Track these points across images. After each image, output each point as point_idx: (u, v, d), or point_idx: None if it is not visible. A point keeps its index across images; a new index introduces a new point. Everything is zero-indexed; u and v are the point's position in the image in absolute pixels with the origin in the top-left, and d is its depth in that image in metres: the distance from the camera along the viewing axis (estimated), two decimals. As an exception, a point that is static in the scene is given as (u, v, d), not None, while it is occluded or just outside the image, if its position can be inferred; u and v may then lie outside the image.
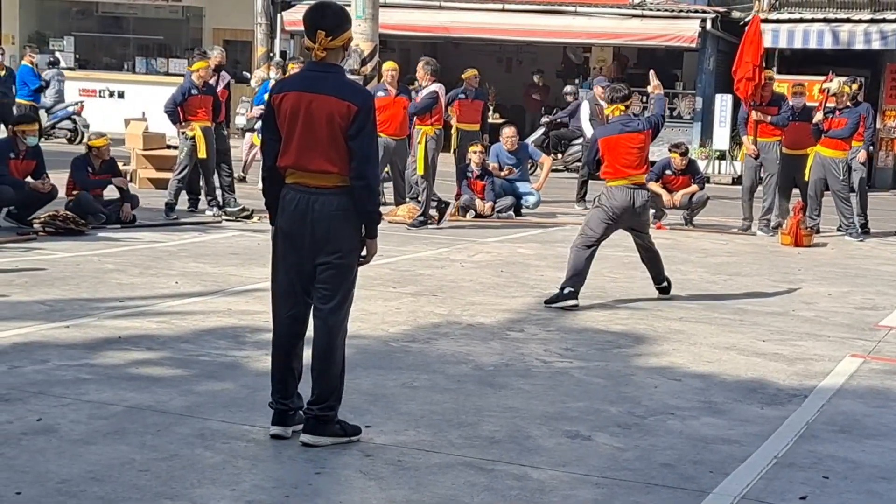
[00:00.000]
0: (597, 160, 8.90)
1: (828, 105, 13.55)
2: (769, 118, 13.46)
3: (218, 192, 13.37)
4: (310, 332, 5.19)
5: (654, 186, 13.74)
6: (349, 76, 14.24)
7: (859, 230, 13.69)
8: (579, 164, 16.44)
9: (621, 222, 8.83)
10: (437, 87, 13.07)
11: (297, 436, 5.16)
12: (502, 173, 14.70)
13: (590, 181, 14.90)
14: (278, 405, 5.17)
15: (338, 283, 5.07)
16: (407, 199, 14.26)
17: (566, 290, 8.58)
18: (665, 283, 9.15)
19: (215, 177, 13.33)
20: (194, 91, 12.94)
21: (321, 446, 5.06)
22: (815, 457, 5.27)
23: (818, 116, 13.38)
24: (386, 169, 14.21)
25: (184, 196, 13.30)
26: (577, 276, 8.63)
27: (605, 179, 8.84)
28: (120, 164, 13.32)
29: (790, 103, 13.87)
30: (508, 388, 6.22)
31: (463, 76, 16.40)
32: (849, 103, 13.46)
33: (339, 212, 4.99)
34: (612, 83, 9.44)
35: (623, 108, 8.90)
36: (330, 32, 4.98)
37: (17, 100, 18.81)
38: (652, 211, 13.92)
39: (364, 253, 5.17)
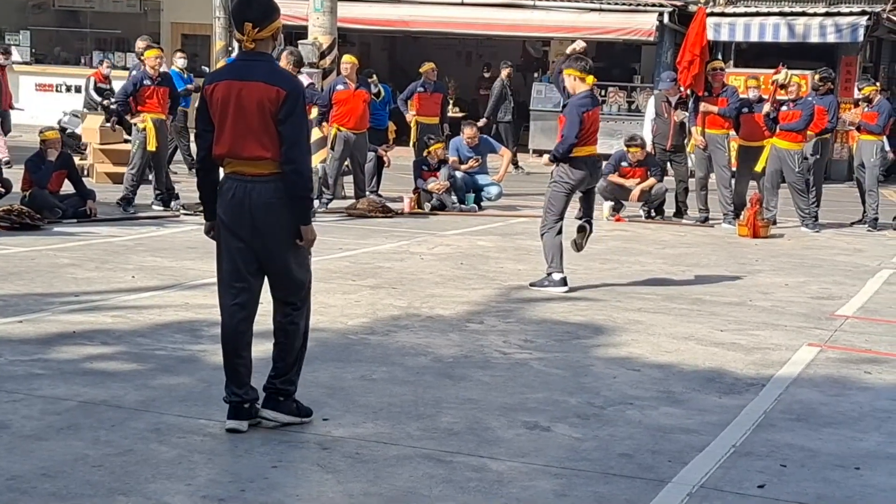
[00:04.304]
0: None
1: (780, 97, 13.65)
2: (716, 109, 13.55)
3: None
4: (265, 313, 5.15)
5: (615, 178, 13.78)
6: (308, 68, 14.15)
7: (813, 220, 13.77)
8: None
9: (579, 189, 9.14)
10: (305, 76, 12.97)
11: (253, 430, 5.12)
12: (464, 166, 14.66)
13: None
14: (232, 397, 5.15)
15: (288, 268, 5.13)
16: (367, 193, 14.23)
17: (559, 277, 8.91)
18: (586, 223, 9.29)
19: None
20: (147, 81, 12.79)
21: (279, 423, 5.16)
22: (773, 445, 5.28)
23: (766, 108, 13.50)
24: (346, 163, 14.17)
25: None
26: (560, 259, 8.94)
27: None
28: (77, 159, 13.21)
29: (739, 95, 13.97)
30: (467, 380, 6.20)
31: (421, 70, 16.43)
32: (808, 93, 13.56)
33: (277, 199, 5.02)
34: (580, 55, 9.38)
35: (593, 80, 9.06)
36: (257, 24, 5.05)
37: None
38: (610, 203, 14.02)
39: (301, 241, 5.12)
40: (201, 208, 12.95)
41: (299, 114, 5.03)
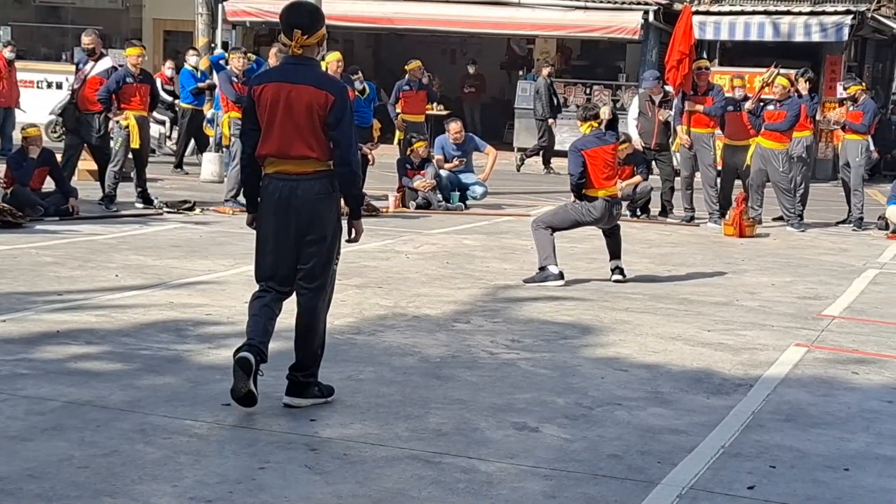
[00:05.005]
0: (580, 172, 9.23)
1: (766, 96, 13.69)
2: (701, 108, 13.58)
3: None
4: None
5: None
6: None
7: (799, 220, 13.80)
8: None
9: (589, 225, 9.41)
10: None
11: (240, 430, 5.09)
12: (448, 165, 14.63)
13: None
14: (248, 341, 5.31)
15: (321, 263, 5.40)
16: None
17: (556, 270, 9.09)
18: (619, 266, 9.47)
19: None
20: (129, 79, 12.73)
21: (302, 407, 5.46)
22: (762, 446, 5.27)
23: (748, 105, 13.53)
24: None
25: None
26: (553, 252, 9.12)
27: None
28: (58, 156, 13.11)
29: (725, 94, 14.00)
30: (455, 380, 6.17)
31: (407, 67, 16.39)
32: (793, 93, 13.60)
33: (321, 196, 5.32)
34: (588, 104, 9.95)
35: (596, 124, 9.31)
36: (306, 30, 5.33)
37: (182, 104, 18.08)
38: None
39: (352, 235, 5.50)
40: (185, 206, 12.98)
41: (349, 117, 5.33)
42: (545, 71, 20.88)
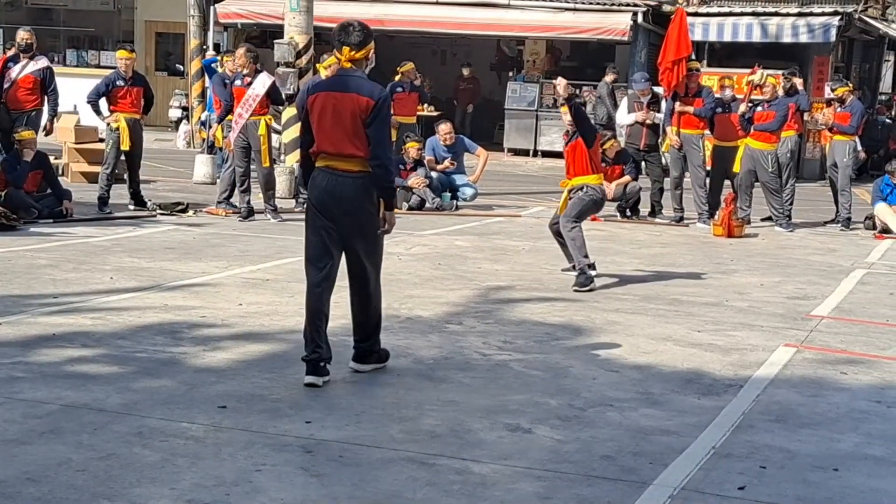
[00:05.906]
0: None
1: (755, 97, 13.77)
2: (691, 109, 13.66)
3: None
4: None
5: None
6: (285, 69, 14.08)
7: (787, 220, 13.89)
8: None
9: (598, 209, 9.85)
10: (266, 74, 12.84)
11: (235, 432, 5.13)
12: (439, 166, 14.69)
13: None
14: (312, 355, 5.98)
15: (367, 245, 6.10)
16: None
17: (593, 267, 9.33)
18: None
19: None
20: (120, 82, 12.76)
21: (366, 371, 6.24)
22: (752, 447, 5.33)
23: (741, 108, 13.62)
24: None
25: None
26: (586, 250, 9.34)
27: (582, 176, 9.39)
28: (51, 158, 13.14)
29: (714, 95, 14.08)
30: (448, 382, 6.22)
31: (400, 69, 16.44)
32: (780, 94, 13.71)
33: (362, 190, 6.02)
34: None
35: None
36: (354, 48, 6.10)
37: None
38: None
39: (384, 226, 6.09)
40: (178, 208, 12.99)
41: (383, 118, 6.02)
42: (609, 77, 20.78)
